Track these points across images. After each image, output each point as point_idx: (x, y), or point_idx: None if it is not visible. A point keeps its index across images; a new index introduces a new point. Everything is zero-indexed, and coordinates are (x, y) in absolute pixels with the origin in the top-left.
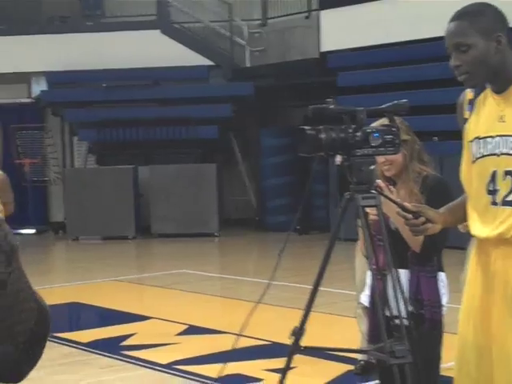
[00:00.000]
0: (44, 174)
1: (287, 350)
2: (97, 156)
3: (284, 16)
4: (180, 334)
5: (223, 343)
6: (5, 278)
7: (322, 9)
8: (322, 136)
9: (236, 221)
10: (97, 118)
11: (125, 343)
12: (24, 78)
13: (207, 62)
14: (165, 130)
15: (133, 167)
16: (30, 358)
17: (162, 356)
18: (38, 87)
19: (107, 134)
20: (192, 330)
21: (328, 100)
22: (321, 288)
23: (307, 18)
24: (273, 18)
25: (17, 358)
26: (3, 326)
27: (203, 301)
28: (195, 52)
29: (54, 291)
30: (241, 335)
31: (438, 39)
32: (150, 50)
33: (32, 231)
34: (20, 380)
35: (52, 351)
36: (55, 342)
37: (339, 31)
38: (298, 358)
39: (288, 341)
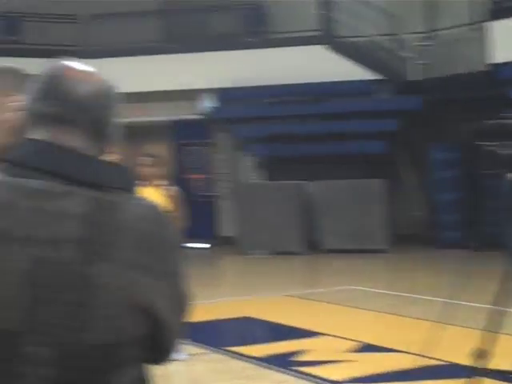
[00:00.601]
0: (213, 189)
1: (466, 372)
2: (265, 171)
3: (451, 28)
4: (353, 351)
5: (398, 362)
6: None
7: (493, 19)
8: (502, 152)
9: (405, 236)
10: (265, 133)
11: (297, 359)
12: (192, 94)
13: (372, 76)
14: (331, 144)
15: (301, 182)
16: None
17: (335, 373)
18: (206, 104)
19: (275, 149)
20: (365, 347)
21: (506, 115)
22: (498, 307)
23: (475, 29)
24: (439, 30)
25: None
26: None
27: (374, 318)
28: (360, 66)
29: (224, 305)
30: (421, 355)
31: None
32: (315, 65)
33: (202, 245)
34: None
35: (226, 365)
36: (229, 356)
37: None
38: (480, 381)
39: (466, 361)
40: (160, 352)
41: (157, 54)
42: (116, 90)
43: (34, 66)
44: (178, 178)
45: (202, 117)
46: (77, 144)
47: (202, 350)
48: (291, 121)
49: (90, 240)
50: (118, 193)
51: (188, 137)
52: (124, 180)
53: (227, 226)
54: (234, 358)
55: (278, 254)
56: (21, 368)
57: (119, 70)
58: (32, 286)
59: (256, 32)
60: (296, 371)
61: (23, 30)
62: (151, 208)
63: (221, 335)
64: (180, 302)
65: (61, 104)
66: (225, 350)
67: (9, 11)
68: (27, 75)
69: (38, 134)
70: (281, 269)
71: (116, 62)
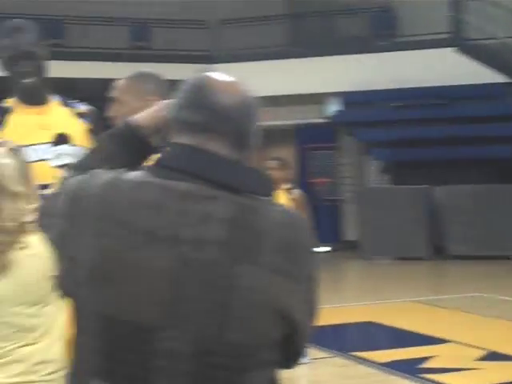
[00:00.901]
0: (337, 193)
1: None
2: (390, 175)
3: None
4: (479, 359)
5: None
6: None
7: None
8: None
9: None
10: (389, 137)
11: (423, 366)
12: (317, 98)
13: (503, 79)
14: (458, 149)
15: (426, 187)
16: None
17: (461, 381)
18: (332, 107)
19: (400, 154)
20: (493, 355)
21: None
22: None
23: None
24: None
25: None
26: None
27: (503, 326)
28: (490, 69)
29: (348, 310)
30: None
31: None
32: (444, 68)
33: (326, 249)
34: None
35: (350, 370)
36: (353, 360)
37: None
38: None
39: None
40: (291, 355)
41: (283, 58)
42: (257, 100)
43: (163, 72)
44: (303, 182)
45: (327, 120)
46: (220, 152)
47: (326, 354)
48: (417, 125)
49: (233, 243)
50: (258, 198)
51: (313, 140)
52: (264, 186)
53: (351, 230)
54: (358, 362)
55: (402, 259)
56: (158, 362)
57: (247, 75)
58: (175, 284)
59: (384, 35)
60: (422, 378)
61: (151, 35)
62: (290, 214)
63: (345, 340)
64: (313, 307)
65: (206, 113)
66: (349, 355)
67: (138, 18)
68: (166, 80)
69: (183, 140)
70: (405, 274)
71: (243, 66)
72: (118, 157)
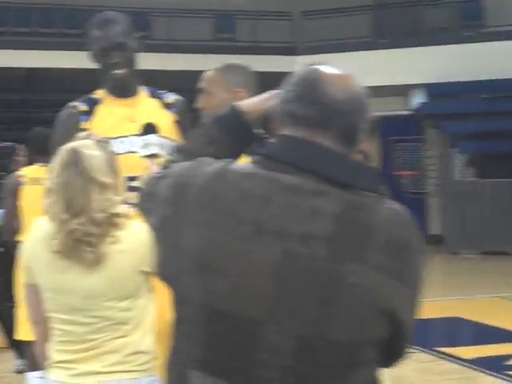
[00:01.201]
0: (422, 186)
1: None
2: (475, 168)
3: None
4: None
5: None
6: None
7: None
8: None
9: None
10: (476, 129)
11: (510, 363)
12: (402, 90)
13: None
14: None
15: None
16: None
17: None
18: (417, 99)
19: (487, 147)
20: None
21: None
22: None
23: None
24: None
25: None
26: None
27: None
28: None
29: (433, 305)
30: None
31: None
32: None
33: None
34: None
35: (435, 366)
36: (438, 356)
37: None
38: None
39: None
40: (392, 355)
41: (367, 49)
42: (367, 94)
43: (247, 63)
44: (387, 174)
45: (412, 112)
46: (327, 146)
47: (411, 350)
48: (503, 117)
49: (341, 239)
50: (366, 194)
51: (397, 132)
52: (373, 181)
53: (436, 224)
54: (443, 358)
55: (488, 253)
56: (259, 355)
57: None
58: (280, 279)
59: (470, 26)
60: (508, 375)
61: (235, 27)
62: (400, 212)
63: (430, 335)
64: (416, 307)
65: (316, 107)
66: (434, 351)
67: (222, 9)
68: (254, 72)
69: (290, 132)
70: (491, 269)
71: (327, 58)
72: (221, 142)
